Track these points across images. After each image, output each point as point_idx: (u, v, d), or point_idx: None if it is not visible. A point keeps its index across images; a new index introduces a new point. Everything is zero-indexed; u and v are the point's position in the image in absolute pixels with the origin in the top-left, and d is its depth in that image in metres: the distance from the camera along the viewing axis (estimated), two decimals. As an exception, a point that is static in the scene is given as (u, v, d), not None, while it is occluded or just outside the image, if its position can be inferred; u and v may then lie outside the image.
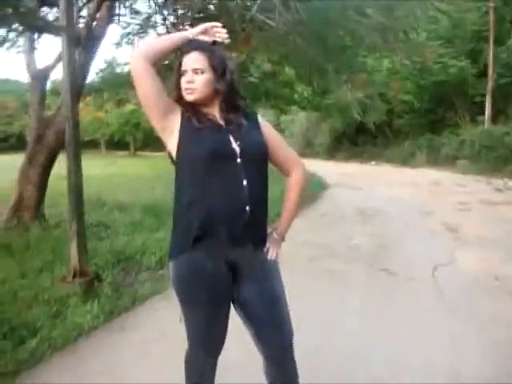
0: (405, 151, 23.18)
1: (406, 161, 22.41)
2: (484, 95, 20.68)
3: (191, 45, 1.94)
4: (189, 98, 1.94)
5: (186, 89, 1.93)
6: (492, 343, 3.33)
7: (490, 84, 20.31)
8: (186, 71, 1.94)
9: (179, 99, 1.96)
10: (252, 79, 16.80)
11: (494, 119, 20.26)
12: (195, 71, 1.92)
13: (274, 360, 2.03)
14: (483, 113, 20.63)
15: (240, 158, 1.87)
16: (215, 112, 1.97)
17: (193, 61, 1.92)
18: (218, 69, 1.92)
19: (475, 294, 4.38)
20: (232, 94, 1.97)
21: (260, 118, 2.06)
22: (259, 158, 1.94)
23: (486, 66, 20.87)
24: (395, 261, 5.55)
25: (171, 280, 1.99)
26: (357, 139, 27.18)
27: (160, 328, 3.62)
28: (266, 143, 1.98)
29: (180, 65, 1.95)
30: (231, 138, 1.91)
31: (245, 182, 1.85)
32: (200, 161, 1.86)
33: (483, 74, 21.02)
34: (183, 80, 1.94)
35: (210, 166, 1.85)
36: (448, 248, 6.10)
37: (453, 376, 2.89)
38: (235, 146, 1.89)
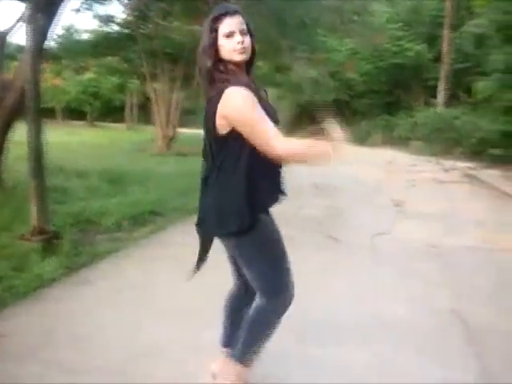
0: (362, 130, 23.73)
1: (363, 140, 22.98)
2: (438, 79, 21.37)
3: (230, 8, 1.98)
4: (241, 57, 1.96)
5: (239, 49, 1.94)
6: (412, 294, 3.74)
7: (444, 69, 20.99)
8: (233, 32, 1.94)
9: (217, 61, 1.96)
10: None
11: (447, 103, 21.01)
12: (242, 32, 1.95)
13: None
14: (436, 96, 21.35)
15: None
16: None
17: (239, 23, 1.95)
18: (252, 32, 2.01)
19: (408, 258, 4.83)
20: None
21: None
22: None
23: (441, 51, 21.52)
24: (341, 229, 5.94)
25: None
26: (315, 117, 27.53)
27: (123, 279, 3.86)
28: None
29: (215, 28, 1.95)
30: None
31: None
32: None
33: (438, 58, 21.70)
34: (233, 41, 1.93)
35: None
36: (391, 220, 6.54)
37: (378, 318, 3.29)
38: None
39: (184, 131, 18.39)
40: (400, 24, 22.16)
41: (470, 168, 13.86)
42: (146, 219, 5.77)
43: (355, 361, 2.73)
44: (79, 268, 4.06)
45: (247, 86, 1.91)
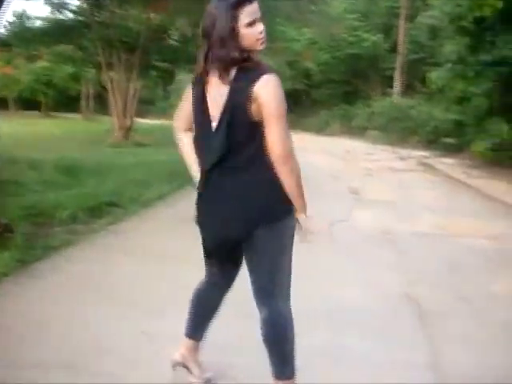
0: (320, 120, 23.98)
1: (322, 129, 23.24)
2: (394, 69, 21.77)
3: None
4: (263, 46, 1.87)
5: (261, 38, 1.85)
6: (371, 280, 3.83)
7: (400, 59, 21.39)
8: (255, 21, 1.82)
9: (242, 52, 1.83)
10: (171, 41, 16.60)
11: (403, 93, 21.45)
12: (260, 20, 1.84)
13: None
14: (393, 86, 21.76)
15: None
16: None
17: (258, 10, 1.83)
18: None
19: (364, 244, 4.93)
20: None
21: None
22: None
23: (396, 42, 21.91)
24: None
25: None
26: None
27: (76, 272, 3.79)
28: None
29: (236, 17, 1.79)
30: None
31: None
32: None
33: (394, 49, 22.10)
34: (255, 30, 1.82)
35: None
36: (347, 208, 6.65)
37: (332, 303, 3.34)
38: None
39: (142, 121, 18.15)
40: (357, 14, 22.41)
41: (424, 157, 14.22)
42: (102, 211, 5.66)
43: (308, 346, 2.77)
44: (32, 262, 3.95)
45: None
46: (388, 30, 23.15)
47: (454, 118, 14.14)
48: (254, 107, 1.82)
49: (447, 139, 15.01)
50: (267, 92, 1.81)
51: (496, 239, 5.36)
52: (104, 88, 18.70)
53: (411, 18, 21.50)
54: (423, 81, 17.50)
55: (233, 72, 1.84)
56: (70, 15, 16.46)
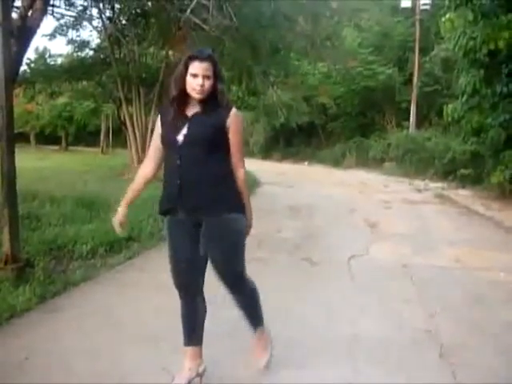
0: (336, 152, 24.01)
1: (337, 162, 23.25)
2: (410, 102, 21.85)
3: (203, 53, 2.46)
4: (198, 96, 2.44)
5: (198, 90, 2.41)
6: (391, 313, 3.79)
7: (415, 91, 21.49)
8: (197, 75, 2.41)
9: (181, 92, 2.46)
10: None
11: (418, 125, 21.47)
12: (205, 76, 2.41)
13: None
14: (409, 118, 21.81)
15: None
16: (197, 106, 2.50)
17: (205, 69, 2.41)
18: (220, 76, 2.49)
19: (382, 278, 4.89)
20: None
21: (233, 113, 2.52)
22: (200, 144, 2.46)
23: (411, 75, 22.06)
24: (317, 251, 5.99)
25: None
26: (292, 140, 27.85)
27: (94, 306, 3.83)
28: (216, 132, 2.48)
29: (187, 67, 2.43)
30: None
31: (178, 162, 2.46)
32: None
33: (409, 81, 22.24)
34: (195, 82, 2.41)
35: None
36: (365, 241, 6.62)
37: (354, 338, 3.31)
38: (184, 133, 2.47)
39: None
40: (371, 49, 22.66)
41: (442, 188, 14.12)
42: (121, 245, 5.72)
43: (332, 380, 2.75)
44: (52, 296, 4.00)
45: None
46: (402, 63, 23.35)
47: (471, 149, 14.09)
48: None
49: (464, 170, 14.92)
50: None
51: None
52: (123, 123, 19.05)
53: (425, 50, 21.68)
54: (439, 113, 17.50)
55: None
56: (91, 53, 16.94)
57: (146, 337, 3.27)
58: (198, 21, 5.62)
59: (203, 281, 2.62)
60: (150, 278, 4.57)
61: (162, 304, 3.79)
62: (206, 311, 2.67)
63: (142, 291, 4.25)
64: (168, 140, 2.50)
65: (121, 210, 2.65)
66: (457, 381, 2.83)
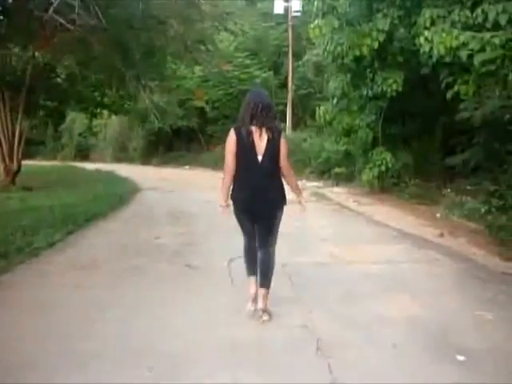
0: (216, 156, 24.15)
1: (218, 165, 23.40)
2: (286, 104, 22.67)
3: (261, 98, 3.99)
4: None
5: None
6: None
7: (290, 94, 22.34)
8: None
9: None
10: (59, 80, 16.03)
11: (294, 126, 22.34)
12: None
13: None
14: (285, 120, 22.60)
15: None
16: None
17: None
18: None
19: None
20: None
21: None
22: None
23: (286, 78, 22.91)
24: (197, 257, 5.95)
25: None
26: (172, 145, 27.55)
27: None
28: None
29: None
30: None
31: None
32: None
33: (284, 85, 23.07)
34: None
35: None
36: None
37: (231, 340, 3.31)
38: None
39: (30, 163, 17.20)
40: (247, 53, 23.19)
41: (317, 187, 14.80)
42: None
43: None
44: None
45: None
46: (278, 67, 24.18)
47: (343, 148, 14.92)
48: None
49: (338, 169, 15.79)
50: (287, 144, 4.02)
51: (388, 263, 5.67)
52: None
53: (298, 55, 22.62)
54: (313, 115, 18.34)
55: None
56: None
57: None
58: (62, 20, 5.30)
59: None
60: (15, 296, 4.21)
61: (26, 322, 3.51)
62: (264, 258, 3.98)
63: (5, 310, 3.90)
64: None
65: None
66: (333, 375, 2.93)
